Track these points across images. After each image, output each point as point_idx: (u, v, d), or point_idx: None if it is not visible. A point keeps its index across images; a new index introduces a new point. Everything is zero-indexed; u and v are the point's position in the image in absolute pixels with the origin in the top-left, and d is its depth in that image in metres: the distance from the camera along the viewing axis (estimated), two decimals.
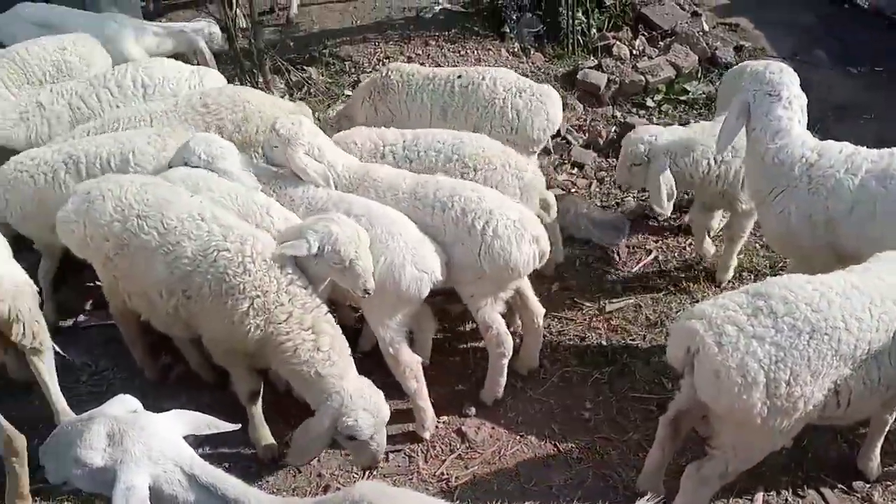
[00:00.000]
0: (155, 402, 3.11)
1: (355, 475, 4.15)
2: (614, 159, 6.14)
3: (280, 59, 7.34)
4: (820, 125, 5.93)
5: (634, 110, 7.17)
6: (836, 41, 8.01)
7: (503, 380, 4.47)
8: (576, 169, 6.53)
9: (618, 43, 7.74)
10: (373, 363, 4.34)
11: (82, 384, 4.69)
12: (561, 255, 5.42)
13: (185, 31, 6.64)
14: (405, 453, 4.26)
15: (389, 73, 5.50)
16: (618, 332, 4.99)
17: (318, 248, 3.79)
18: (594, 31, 7.89)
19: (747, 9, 8.54)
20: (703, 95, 7.17)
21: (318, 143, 4.47)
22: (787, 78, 4.24)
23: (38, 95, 5.40)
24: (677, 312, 5.02)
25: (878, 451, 3.95)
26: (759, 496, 3.93)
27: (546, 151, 6.56)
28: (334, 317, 3.95)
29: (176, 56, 6.73)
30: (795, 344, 3.16)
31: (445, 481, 4.11)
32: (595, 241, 5.76)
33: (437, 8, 8.42)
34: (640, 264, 5.56)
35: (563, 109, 6.95)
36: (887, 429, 3.86)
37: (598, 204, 6.14)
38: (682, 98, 7.22)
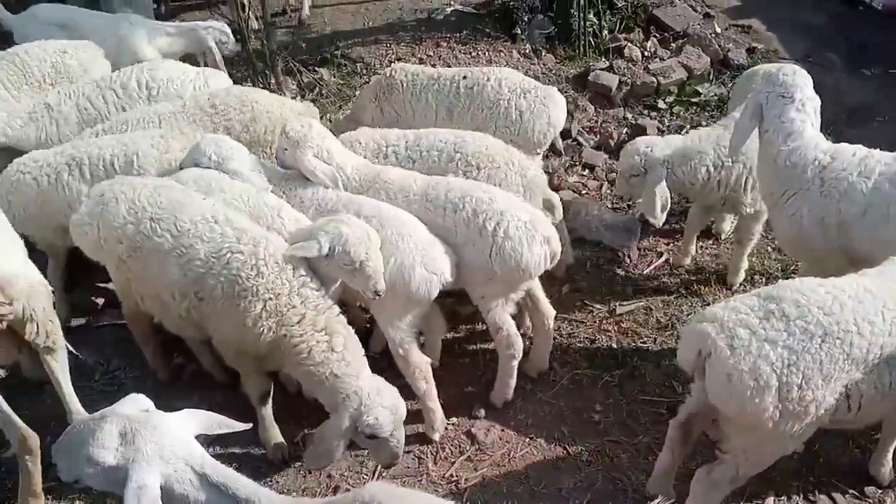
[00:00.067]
0: (167, 401, 3.12)
1: (365, 476, 4.16)
2: None
3: (292, 60, 7.36)
4: (832, 127, 5.91)
5: (646, 112, 7.16)
6: (850, 43, 7.96)
7: (513, 382, 4.47)
8: (587, 171, 6.53)
9: (629, 44, 7.72)
10: (383, 364, 4.35)
11: (95, 383, 4.72)
12: (570, 257, 5.42)
13: (196, 30, 6.66)
14: (415, 454, 4.26)
15: (394, 73, 5.52)
16: (628, 335, 4.98)
17: (329, 249, 3.80)
18: (606, 32, 7.88)
19: (759, 10, 8.51)
20: (715, 97, 7.15)
21: (328, 145, 4.48)
22: (800, 80, 4.22)
23: (45, 97, 5.45)
24: (688, 315, 5.01)
25: (890, 455, 3.93)
26: (770, 501, 3.91)
27: (557, 153, 6.59)
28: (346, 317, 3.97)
29: (186, 56, 6.79)
30: (807, 347, 3.15)
31: (455, 483, 4.11)
32: (606, 244, 5.75)
33: (449, 9, 8.43)
34: (651, 267, 5.55)
35: (574, 111, 7.01)
36: None
37: (609, 206, 6.13)
38: (694, 100, 7.20)
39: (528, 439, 4.33)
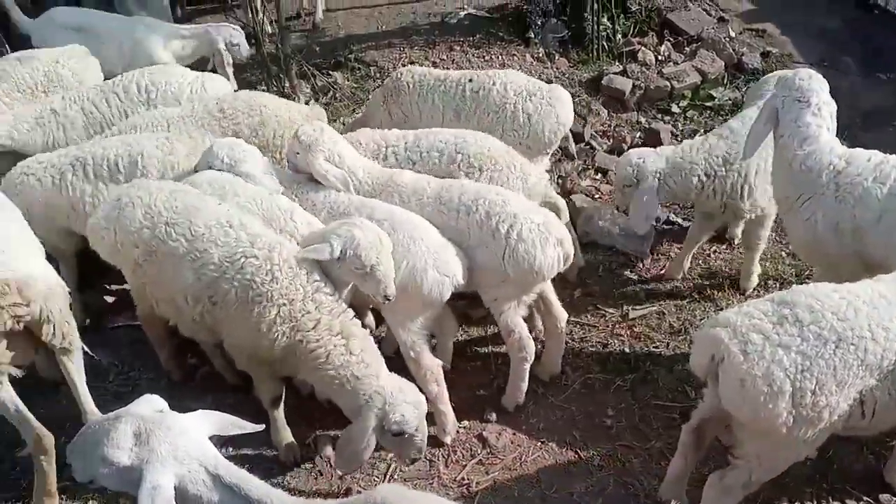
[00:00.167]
0: (180, 402, 3.14)
1: (376, 478, 4.16)
2: None
3: (306, 63, 7.40)
4: (847, 132, 5.87)
5: (659, 116, 7.15)
6: (865, 47, 7.91)
7: (525, 385, 4.46)
8: (600, 175, 6.52)
9: (643, 48, 7.71)
10: (395, 367, 4.35)
11: (109, 384, 4.75)
12: (581, 259, 5.41)
13: (208, 33, 6.68)
14: (426, 457, 4.25)
15: (401, 75, 5.54)
16: (641, 340, 4.97)
17: (341, 252, 3.82)
18: (619, 36, 7.87)
19: (774, 14, 8.47)
20: (729, 101, 7.12)
21: (339, 149, 4.50)
22: (816, 84, 4.20)
23: (51, 102, 5.51)
24: (701, 320, 4.99)
25: None
26: None
27: (570, 156, 6.58)
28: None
29: (199, 59, 6.83)
30: (821, 353, 3.13)
31: (466, 486, 4.11)
32: (619, 248, 5.74)
33: (462, 13, 8.45)
34: (664, 271, 5.52)
35: (588, 115, 7.01)
36: None
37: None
38: (708, 104, 7.18)
39: (539, 443, 4.33)
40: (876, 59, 7.73)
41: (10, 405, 3.69)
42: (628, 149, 6.63)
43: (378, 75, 7.57)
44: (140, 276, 4.15)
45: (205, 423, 2.77)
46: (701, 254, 5.65)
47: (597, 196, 6.28)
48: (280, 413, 4.18)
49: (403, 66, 7.37)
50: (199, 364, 4.81)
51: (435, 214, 4.29)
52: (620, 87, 7.21)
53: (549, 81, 6.85)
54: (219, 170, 4.48)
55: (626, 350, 4.89)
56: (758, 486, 3.50)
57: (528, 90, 5.24)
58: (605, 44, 7.75)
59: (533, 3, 8.15)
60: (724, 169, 4.83)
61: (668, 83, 7.26)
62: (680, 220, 5.98)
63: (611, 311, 5.22)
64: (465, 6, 8.61)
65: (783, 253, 5.59)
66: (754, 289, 5.25)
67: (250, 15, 7.29)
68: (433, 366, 4.19)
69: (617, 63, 7.62)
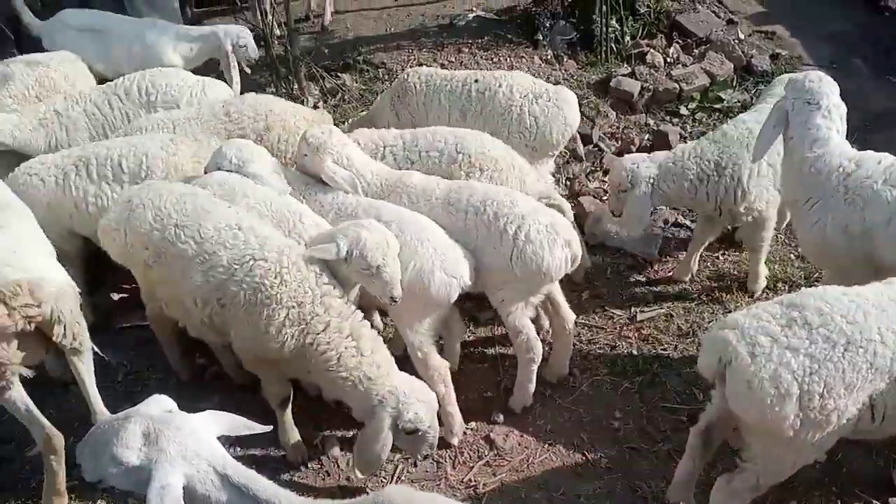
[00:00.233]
0: (189, 402, 3.16)
1: (384, 479, 4.17)
2: None
3: (315, 65, 7.41)
4: (857, 134, 5.84)
5: (668, 118, 7.13)
6: (875, 49, 7.88)
7: (532, 387, 4.47)
8: (608, 176, 6.50)
9: (652, 50, 7.70)
10: (402, 367, 4.35)
11: (118, 384, 4.78)
12: (588, 261, 5.41)
13: (215, 33, 6.70)
14: (433, 459, 4.27)
15: (408, 76, 5.56)
16: (649, 342, 4.96)
17: (347, 252, 3.83)
18: (628, 38, 7.85)
19: (784, 16, 8.43)
20: (738, 104, 7.10)
21: (347, 152, 4.52)
22: (826, 87, 4.19)
23: (54, 104, 5.54)
24: (709, 323, 4.98)
25: None
26: None
27: (578, 158, 6.58)
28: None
29: (210, 61, 6.86)
30: (830, 356, 3.12)
31: (473, 488, 4.11)
32: (627, 250, 5.73)
33: (471, 15, 8.45)
34: (672, 273, 5.51)
35: (596, 117, 7.00)
36: None
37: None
38: (717, 106, 7.16)
39: (547, 445, 4.33)
40: (886, 62, 7.69)
41: (21, 405, 3.72)
42: (637, 151, 6.65)
43: (386, 77, 7.57)
44: (150, 277, 4.17)
45: (213, 424, 2.78)
46: (709, 256, 5.64)
47: (605, 198, 6.26)
48: (288, 413, 4.20)
49: (411, 67, 7.39)
50: (207, 364, 4.83)
51: (443, 215, 4.30)
52: (629, 89, 7.20)
53: (557, 83, 6.85)
54: (227, 170, 4.50)
55: (634, 352, 4.89)
56: (766, 490, 3.49)
57: (535, 92, 5.24)
58: (613, 46, 7.74)
59: (541, 5, 8.16)
60: (716, 173, 4.85)
61: (676, 85, 7.25)
62: (688, 223, 5.97)
63: (619, 313, 5.21)
64: (474, 8, 8.61)
65: (792, 255, 5.57)
66: (763, 291, 5.24)
67: (259, 17, 7.31)
68: (441, 367, 4.20)
69: (625, 65, 7.61)
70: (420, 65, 7.51)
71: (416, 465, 4.23)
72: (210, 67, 6.96)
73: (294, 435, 4.23)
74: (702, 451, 3.69)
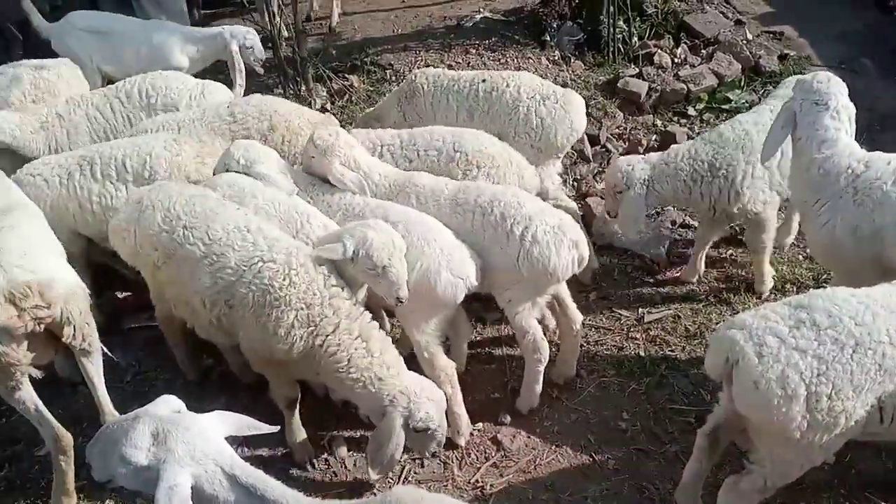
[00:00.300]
0: (196, 402, 3.17)
1: (391, 480, 4.18)
2: None
3: (322, 67, 7.43)
4: (865, 134, 5.82)
5: (675, 119, 7.12)
6: (884, 49, 7.83)
7: (539, 388, 4.46)
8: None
9: (659, 51, 7.68)
10: (409, 369, 4.36)
11: (126, 384, 4.80)
12: (596, 262, 5.40)
13: (221, 35, 6.72)
14: (440, 459, 4.27)
15: (415, 77, 5.56)
16: (656, 343, 4.95)
17: (353, 252, 3.84)
18: (635, 39, 7.83)
19: (792, 17, 8.40)
20: (746, 104, 7.07)
21: (355, 154, 4.53)
22: (834, 87, 4.17)
23: (55, 107, 5.56)
24: (717, 324, 4.96)
25: None
26: None
27: (585, 159, 6.57)
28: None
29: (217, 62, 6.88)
30: (838, 357, 3.11)
31: (480, 489, 4.11)
32: (635, 251, 5.72)
33: (478, 17, 8.45)
34: (679, 274, 5.50)
35: (603, 118, 6.99)
36: None
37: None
38: (725, 107, 7.13)
39: (554, 446, 4.32)
40: (895, 62, 7.66)
41: (31, 405, 3.74)
42: (644, 152, 6.63)
43: (394, 78, 7.59)
44: (159, 278, 4.19)
45: (221, 424, 2.79)
46: (717, 257, 5.62)
47: None
48: (295, 414, 4.21)
49: (419, 68, 7.41)
50: (214, 364, 4.85)
51: (451, 216, 4.31)
52: (636, 90, 7.19)
53: (564, 84, 6.86)
54: (235, 171, 4.52)
55: (642, 353, 4.88)
56: (773, 491, 3.47)
57: (542, 94, 5.24)
58: (620, 46, 7.73)
59: (549, 6, 8.15)
60: (710, 174, 4.85)
61: (684, 86, 7.23)
62: (696, 224, 5.95)
63: (626, 314, 5.21)
64: (481, 9, 8.62)
65: (800, 256, 5.55)
66: (771, 292, 5.22)
67: (267, 18, 7.34)
68: (447, 367, 4.20)
69: (633, 66, 7.59)
70: (427, 66, 7.52)
71: (423, 466, 4.24)
72: (218, 68, 6.99)
73: (301, 435, 4.24)
74: (709, 453, 3.68)
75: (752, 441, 3.45)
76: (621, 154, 6.69)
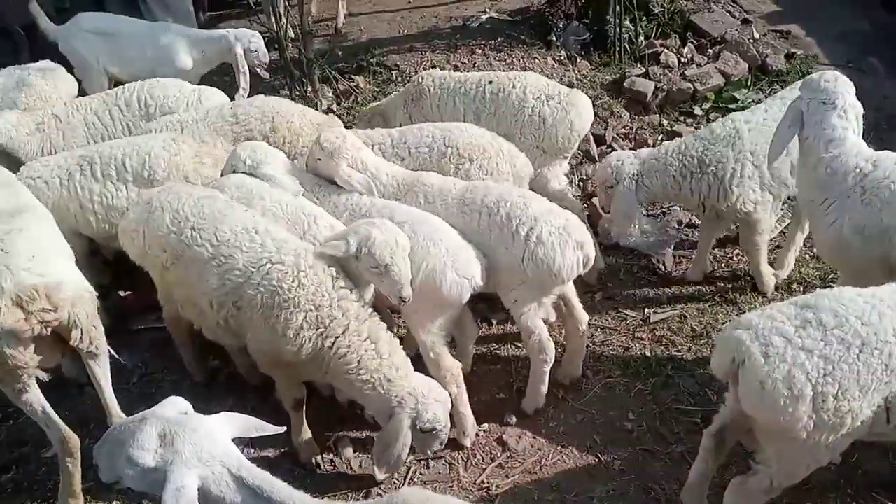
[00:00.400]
0: (203, 404, 3.18)
1: (396, 481, 4.18)
2: None
3: (328, 68, 7.44)
4: (873, 134, 5.79)
5: (682, 118, 7.10)
6: (891, 48, 7.79)
7: (544, 388, 4.46)
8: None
9: (666, 51, 7.65)
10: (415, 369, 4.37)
11: (133, 385, 4.82)
12: (602, 262, 5.40)
13: (226, 37, 6.73)
14: (446, 460, 4.27)
15: (421, 80, 5.57)
16: (662, 343, 4.95)
17: (357, 249, 3.84)
18: (641, 38, 7.81)
19: (799, 16, 8.37)
20: (753, 104, 7.02)
21: (362, 156, 4.54)
22: (842, 86, 4.16)
23: (53, 109, 5.58)
24: (723, 324, 4.94)
25: None
26: None
27: (591, 159, 6.56)
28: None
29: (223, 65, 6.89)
30: (845, 357, 3.10)
31: (486, 489, 4.11)
32: (641, 251, 5.72)
33: (484, 17, 8.45)
34: (685, 273, 5.49)
35: (610, 117, 6.98)
36: None
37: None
38: (732, 106, 7.10)
39: (559, 447, 4.32)
40: None
41: (38, 407, 3.76)
42: None
43: (400, 79, 7.59)
44: (167, 279, 4.21)
45: (228, 425, 2.80)
46: (723, 257, 5.61)
47: None
48: (301, 415, 4.21)
49: (425, 69, 7.41)
50: (221, 366, 4.86)
51: (458, 216, 4.32)
52: (643, 90, 7.17)
53: (570, 84, 6.85)
54: (241, 172, 4.53)
55: (648, 354, 4.88)
56: (780, 492, 3.47)
57: (547, 94, 5.24)
58: (627, 46, 7.71)
59: (555, 6, 8.14)
60: (699, 170, 4.85)
61: (690, 85, 7.21)
62: None
63: (632, 314, 5.20)
64: (487, 10, 8.61)
65: (807, 256, 5.53)
66: (778, 292, 5.20)
67: (273, 20, 7.35)
68: (453, 367, 4.20)
69: (639, 65, 7.57)
70: (433, 66, 7.52)
71: (428, 467, 4.24)
72: (224, 70, 7.01)
73: (307, 436, 4.25)
74: (715, 453, 3.67)
75: (759, 441, 3.44)
76: None
